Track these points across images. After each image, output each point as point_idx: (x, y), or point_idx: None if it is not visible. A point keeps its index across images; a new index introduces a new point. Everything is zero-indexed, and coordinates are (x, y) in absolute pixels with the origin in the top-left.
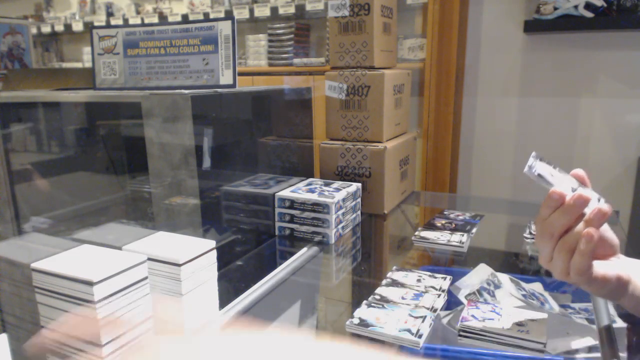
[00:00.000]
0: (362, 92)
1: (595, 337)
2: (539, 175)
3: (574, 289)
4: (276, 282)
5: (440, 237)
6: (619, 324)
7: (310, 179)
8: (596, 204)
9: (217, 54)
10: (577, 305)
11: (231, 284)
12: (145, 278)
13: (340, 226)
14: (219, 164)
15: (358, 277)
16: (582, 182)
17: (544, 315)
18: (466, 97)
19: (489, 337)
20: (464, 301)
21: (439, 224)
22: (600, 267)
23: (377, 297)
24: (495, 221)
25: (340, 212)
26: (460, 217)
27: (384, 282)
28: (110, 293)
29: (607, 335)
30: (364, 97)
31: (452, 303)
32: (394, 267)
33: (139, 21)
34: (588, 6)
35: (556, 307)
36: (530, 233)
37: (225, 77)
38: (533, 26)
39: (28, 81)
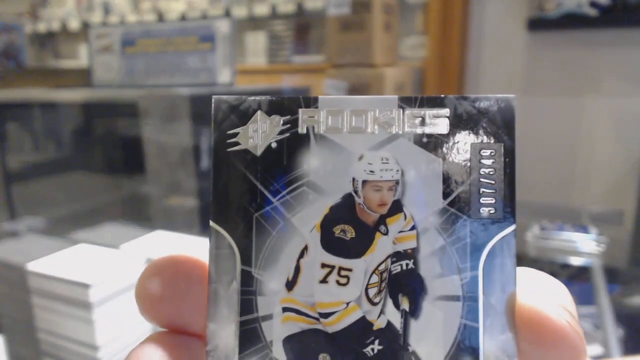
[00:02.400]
0: (363, 91)
1: (602, 342)
2: None
3: (578, 290)
4: None
5: None
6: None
7: None
8: None
9: (216, 52)
10: (582, 310)
11: None
12: None
13: None
14: None
15: None
16: None
17: None
18: None
19: None
20: None
21: None
22: None
23: None
24: None
25: None
26: None
27: None
28: (107, 295)
29: None
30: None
31: None
32: None
33: (136, 19)
34: (593, 4)
35: None
36: (534, 234)
37: (224, 76)
38: (536, 24)
39: (24, 80)
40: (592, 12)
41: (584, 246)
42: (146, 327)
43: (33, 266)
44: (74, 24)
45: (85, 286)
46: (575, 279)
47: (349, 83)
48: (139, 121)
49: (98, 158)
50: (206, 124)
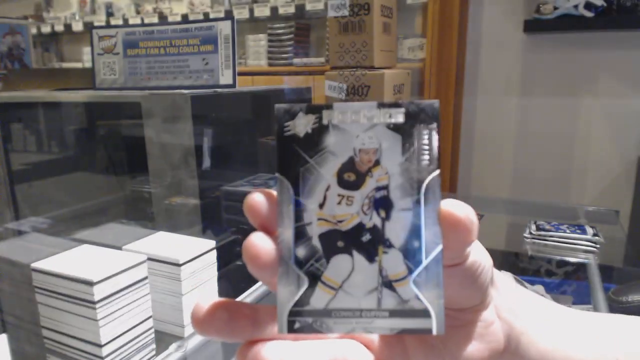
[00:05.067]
0: (362, 92)
1: None
2: None
3: (574, 289)
4: None
5: None
6: None
7: None
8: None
9: (217, 54)
10: (578, 307)
11: (231, 284)
12: (145, 278)
13: None
14: (218, 164)
15: None
16: None
17: None
18: (466, 97)
19: None
20: None
21: None
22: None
23: None
24: (495, 221)
25: None
26: None
27: None
28: (110, 293)
29: None
30: (363, 97)
31: None
32: None
33: (138, 21)
34: (588, 6)
35: None
36: (531, 233)
37: (225, 77)
38: (533, 26)
39: (28, 81)
40: (588, 14)
41: (581, 245)
42: (148, 325)
43: (37, 265)
44: (77, 27)
45: (90, 284)
46: (572, 277)
47: (349, 85)
48: (142, 122)
49: (101, 158)
50: (208, 125)
